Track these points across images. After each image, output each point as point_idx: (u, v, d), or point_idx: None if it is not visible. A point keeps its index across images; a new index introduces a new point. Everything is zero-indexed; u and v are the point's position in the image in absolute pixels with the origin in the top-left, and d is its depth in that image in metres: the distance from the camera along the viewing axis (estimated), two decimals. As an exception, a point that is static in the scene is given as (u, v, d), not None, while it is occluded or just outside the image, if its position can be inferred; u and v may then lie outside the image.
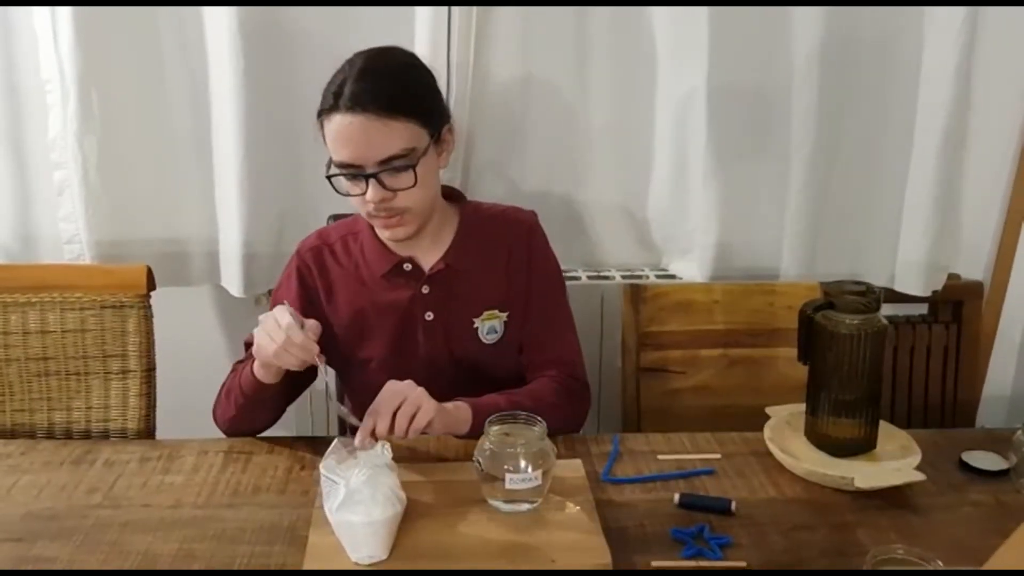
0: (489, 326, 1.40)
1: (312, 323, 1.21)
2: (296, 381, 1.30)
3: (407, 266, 1.37)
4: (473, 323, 1.39)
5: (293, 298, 1.39)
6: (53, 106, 1.68)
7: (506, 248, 1.42)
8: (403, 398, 1.17)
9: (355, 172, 1.25)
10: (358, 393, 1.48)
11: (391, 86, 1.24)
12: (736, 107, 1.76)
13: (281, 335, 1.15)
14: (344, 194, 1.29)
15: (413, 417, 1.16)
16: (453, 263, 1.37)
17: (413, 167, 1.24)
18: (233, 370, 1.40)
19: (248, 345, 1.43)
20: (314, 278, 1.40)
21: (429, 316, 1.38)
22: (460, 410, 1.26)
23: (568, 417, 1.38)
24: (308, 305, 1.39)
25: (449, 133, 1.33)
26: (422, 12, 1.68)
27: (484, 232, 1.41)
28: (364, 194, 1.25)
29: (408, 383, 1.21)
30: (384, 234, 1.34)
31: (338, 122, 1.23)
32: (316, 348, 1.17)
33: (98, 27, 1.63)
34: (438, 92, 1.33)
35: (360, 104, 1.21)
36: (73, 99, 1.65)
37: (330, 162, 1.27)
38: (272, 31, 1.67)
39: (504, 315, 1.40)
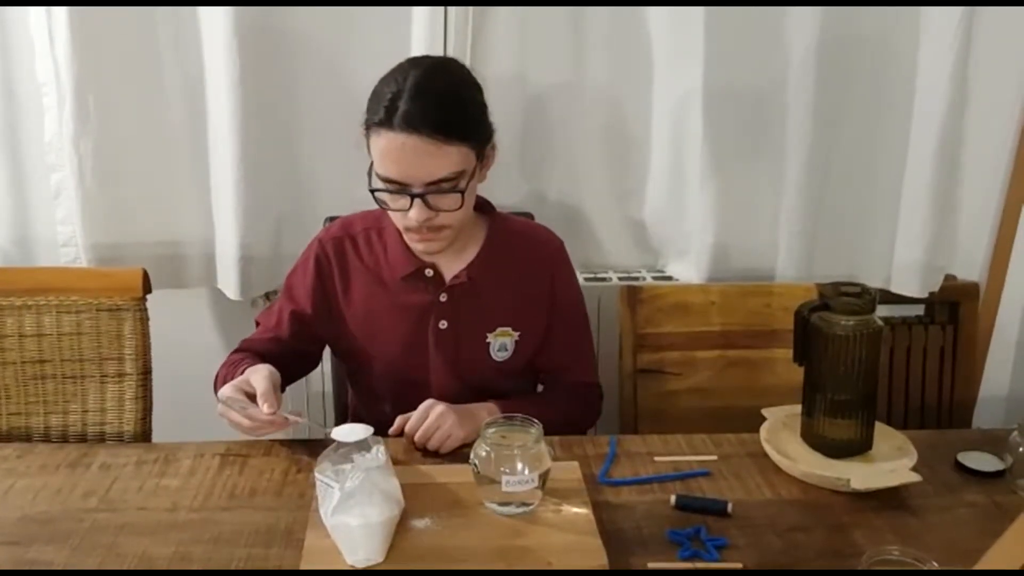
0: (500, 343, 1.40)
1: (263, 390, 1.19)
2: (288, 374, 1.32)
3: (428, 272, 1.37)
4: (486, 338, 1.40)
5: (308, 287, 1.39)
6: (49, 109, 1.68)
7: (528, 269, 1.42)
8: (437, 428, 1.26)
9: (400, 190, 1.23)
10: (362, 387, 1.49)
11: (448, 109, 1.22)
12: (732, 109, 1.76)
13: (247, 423, 1.19)
14: (383, 205, 1.27)
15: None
16: (475, 276, 1.37)
17: (461, 191, 1.24)
18: (239, 350, 1.39)
19: (259, 324, 1.45)
20: (332, 269, 1.39)
21: (443, 324, 1.38)
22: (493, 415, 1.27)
23: (586, 424, 1.47)
24: (322, 296, 1.39)
25: (492, 150, 1.32)
26: (418, 13, 1.68)
27: (509, 249, 1.41)
28: (406, 211, 1.24)
29: (443, 411, 1.26)
30: (417, 247, 1.33)
31: (390, 140, 1.20)
32: (283, 418, 1.18)
33: (94, 30, 1.63)
34: (486, 109, 1.30)
35: (414, 126, 1.18)
36: (69, 102, 1.65)
37: (371, 170, 1.26)
38: (268, 33, 1.67)
39: (516, 334, 1.41)
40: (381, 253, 1.39)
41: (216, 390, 1.35)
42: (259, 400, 1.19)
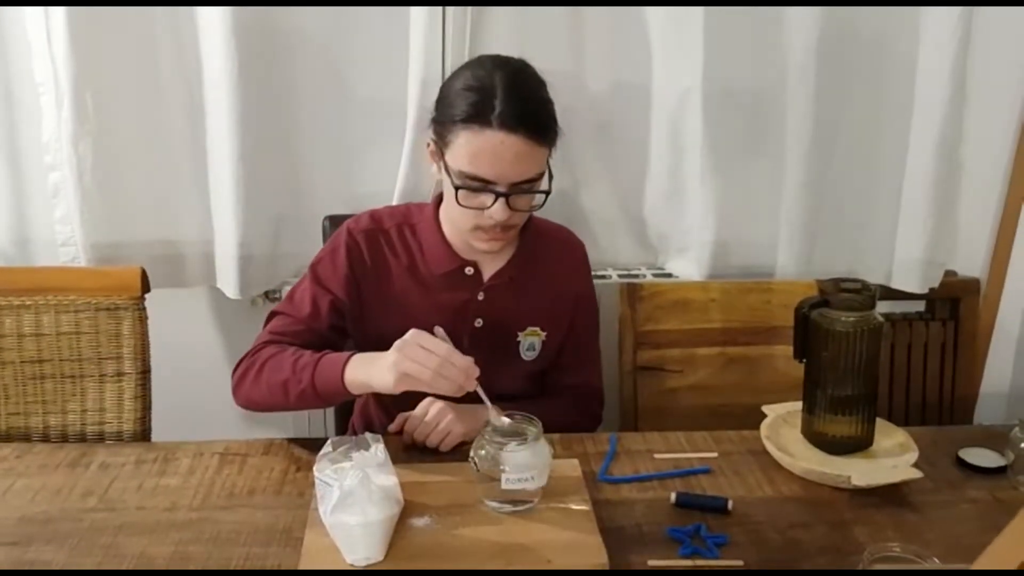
0: (529, 343, 1.41)
1: (450, 347, 1.15)
2: None
3: (469, 270, 1.37)
4: (517, 337, 1.40)
5: (342, 276, 1.36)
6: (47, 109, 1.68)
7: (558, 270, 1.43)
8: (436, 424, 1.27)
9: (484, 187, 1.23)
10: None
11: (542, 111, 1.24)
12: (732, 106, 1.76)
13: (435, 360, 1.12)
14: (461, 203, 1.25)
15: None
16: (515, 275, 1.38)
17: (546, 191, 1.26)
18: (271, 342, 1.32)
19: (273, 315, 1.38)
20: (364, 261, 1.37)
21: (479, 323, 1.38)
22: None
23: (586, 431, 1.44)
24: (355, 287, 1.37)
25: (553, 151, 1.32)
26: (416, 13, 1.68)
27: (541, 250, 1.42)
28: (485, 209, 1.24)
29: (442, 408, 1.26)
30: (482, 246, 1.31)
31: (487, 138, 1.19)
32: (477, 370, 1.15)
33: (92, 29, 1.62)
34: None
35: (512, 126, 1.18)
36: (67, 102, 1.64)
37: (446, 166, 1.25)
38: (267, 32, 1.67)
39: (544, 334, 1.42)
40: (417, 250, 1.38)
41: (251, 385, 1.29)
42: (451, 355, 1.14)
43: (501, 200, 1.23)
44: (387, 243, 1.39)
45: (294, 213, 1.80)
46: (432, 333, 1.27)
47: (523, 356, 1.41)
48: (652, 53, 1.77)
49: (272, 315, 1.39)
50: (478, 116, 1.20)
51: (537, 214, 1.57)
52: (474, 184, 1.23)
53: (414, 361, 1.13)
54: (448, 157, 1.25)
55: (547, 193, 1.27)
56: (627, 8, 1.74)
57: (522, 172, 1.22)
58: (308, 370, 1.23)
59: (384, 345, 1.34)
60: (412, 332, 1.16)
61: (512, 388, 1.41)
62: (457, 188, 1.24)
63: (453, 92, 1.24)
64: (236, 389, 1.32)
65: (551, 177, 1.29)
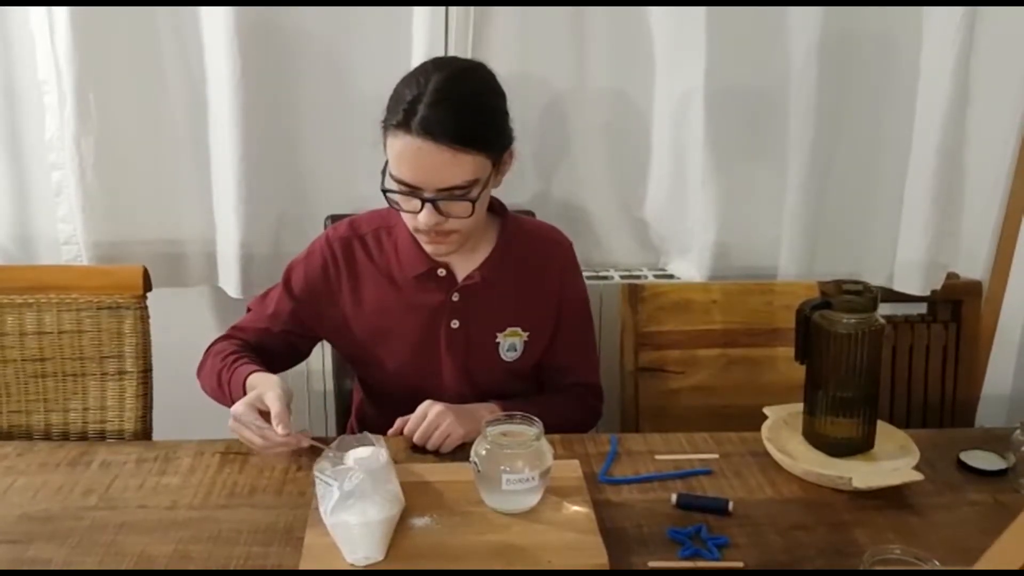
0: (510, 343, 1.40)
1: (278, 411, 1.18)
2: (273, 367, 1.33)
3: (441, 272, 1.36)
4: (496, 338, 1.39)
5: (310, 286, 1.39)
6: (50, 107, 1.68)
7: (539, 269, 1.42)
8: (436, 427, 1.27)
9: (412, 192, 1.22)
10: (371, 387, 1.49)
11: (467, 118, 1.20)
12: (734, 107, 1.76)
13: (260, 442, 1.19)
14: (394, 205, 1.27)
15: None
16: (488, 276, 1.37)
17: (472, 199, 1.23)
18: (229, 337, 1.41)
19: (249, 309, 1.45)
20: (340, 271, 1.38)
21: (455, 324, 1.38)
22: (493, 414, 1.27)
23: (586, 426, 1.47)
24: (326, 296, 1.39)
25: (509, 156, 1.30)
26: (420, 12, 1.68)
27: (520, 250, 1.41)
28: (416, 213, 1.24)
29: (441, 411, 1.27)
30: (428, 249, 1.32)
31: (406, 143, 1.19)
32: (297, 438, 1.19)
33: (95, 28, 1.63)
34: (507, 117, 1.28)
35: (431, 132, 1.17)
36: (70, 100, 1.65)
37: (385, 168, 1.25)
38: (269, 32, 1.67)
39: (525, 335, 1.41)
40: (392, 253, 1.38)
41: (202, 378, 1.38)
42: (274, 421, 1.18)
43: (428, 206, 1.22)
44: (363, 249, 1.39)
45: (296, 213, 1.80)
46: (407, 333, 1.35)
47: (504, 356, 1.40)
48: (654, 54, 1.77)
49: (248, 308, 1.45)
50: (402, 122, 1.19)
51: (540, 214, 1.57)
52: (401, 189, 1.23)
53: (245, 439, 1.21)
54: (388, 161, 1.25)
55: (473, 201, 1.22)
56: (630, 8, 1.74)
57: (445, 179, 1.20)
58: (226, 373, 1.31)
59: (363, 350, 1.40)
60: (232, 420, 1.20)
61: (497, 387, 1.40)
62: (384, 192, 1.25)
63: (394, 95, 1.24)
64: (197, 375, 1.40)
65: (484, 185, 1.24)
